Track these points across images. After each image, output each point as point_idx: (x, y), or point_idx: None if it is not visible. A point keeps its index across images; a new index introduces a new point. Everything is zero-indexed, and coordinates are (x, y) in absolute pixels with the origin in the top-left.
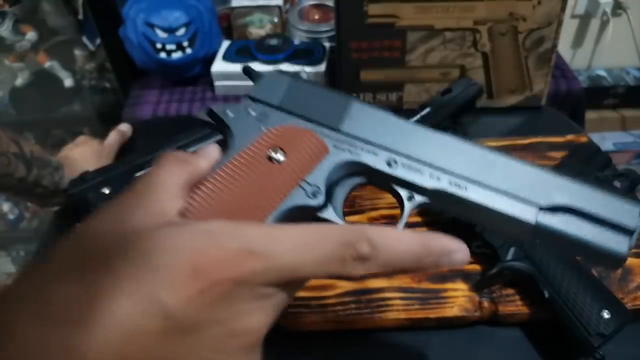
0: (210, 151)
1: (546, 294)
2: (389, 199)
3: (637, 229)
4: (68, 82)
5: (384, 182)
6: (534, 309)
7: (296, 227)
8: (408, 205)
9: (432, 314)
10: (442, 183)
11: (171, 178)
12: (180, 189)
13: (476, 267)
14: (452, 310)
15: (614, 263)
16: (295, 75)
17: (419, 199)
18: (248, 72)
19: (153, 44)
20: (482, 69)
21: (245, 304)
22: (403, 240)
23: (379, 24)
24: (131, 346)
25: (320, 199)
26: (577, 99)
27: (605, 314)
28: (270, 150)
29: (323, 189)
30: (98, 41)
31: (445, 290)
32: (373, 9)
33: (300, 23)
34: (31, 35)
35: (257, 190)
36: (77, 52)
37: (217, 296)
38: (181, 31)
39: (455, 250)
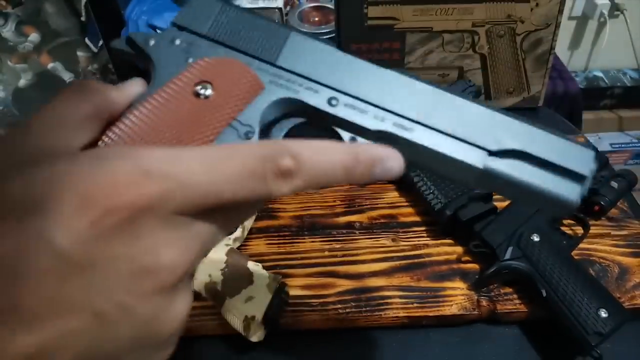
0: (131, 83)
1: (544, 293)
2: (389, 198)
3: (589, 174)
4: None
5: (324, 122)
6: (532, 307)
7: (206, 146)
8: None
9: (431, 312)
10: (387, 124)
11: (71, 109)
12: (84, 121)
13: (474, 267)
14: (451, 308)
15: (565, 210)
16: (228, 1)
17: (361, 141)
18: None
19: None
20: (480, 71)
21: (153, 237)
22: (329, 151)
23: (379, 26)
24: (23, 289)
25: (253, 141)
26: (574, 100)
27: (603, 313)
28: (196, 85)
29: (257, 129)
30: (101, 42)
31: (444, 289)
32: (373, 11)
33: (301, 25)
34: (34, 36)
35: (182, 129)
36: (80, 54)
37: (114, 227)
38: None
39: (386, 157)
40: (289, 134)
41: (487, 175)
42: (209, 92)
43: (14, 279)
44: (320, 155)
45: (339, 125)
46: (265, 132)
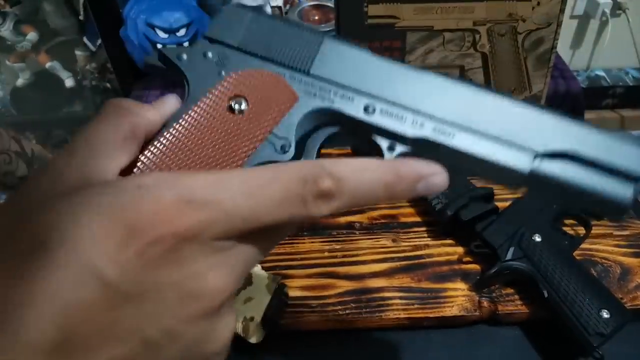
0: (165, 101)
1: (545, 294)
2: None
3: None
4: (69, 82)
5: (361, 131)
6: (533, 308)
7: (245, 169)
8: (389, 157)
9: (432, 313)
10: (426, 130)
11: (110, 132)
12: (122, 142)
13: (476, 267)
14: (452, 309)
15: (617, 212)
16: (258, 9)
17: (400, 148)
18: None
19: (154, 44)
20: (482, 70)
21: (197, 263)
22: (369, 169)
23: (379, 25)
24: (75, 320)
25: (290, 154)
26: (576, 99)
27: (605, 314)
28: (230, 99)
29: (293, 141)
30: (99, 41)
31: (445, 290)
32: (373, 9)
33: None
34: (32, 35)
35: (218, 146)
36: (78, 53)
37: (159, 256)
38: (182, 32)
39: (431, 173)
40: (324, 144)
41: (534, 178)
42: (243, 106)
43: (64, 310)
44: (360, 174)
45: (376, 133)
46: (300, 143)
